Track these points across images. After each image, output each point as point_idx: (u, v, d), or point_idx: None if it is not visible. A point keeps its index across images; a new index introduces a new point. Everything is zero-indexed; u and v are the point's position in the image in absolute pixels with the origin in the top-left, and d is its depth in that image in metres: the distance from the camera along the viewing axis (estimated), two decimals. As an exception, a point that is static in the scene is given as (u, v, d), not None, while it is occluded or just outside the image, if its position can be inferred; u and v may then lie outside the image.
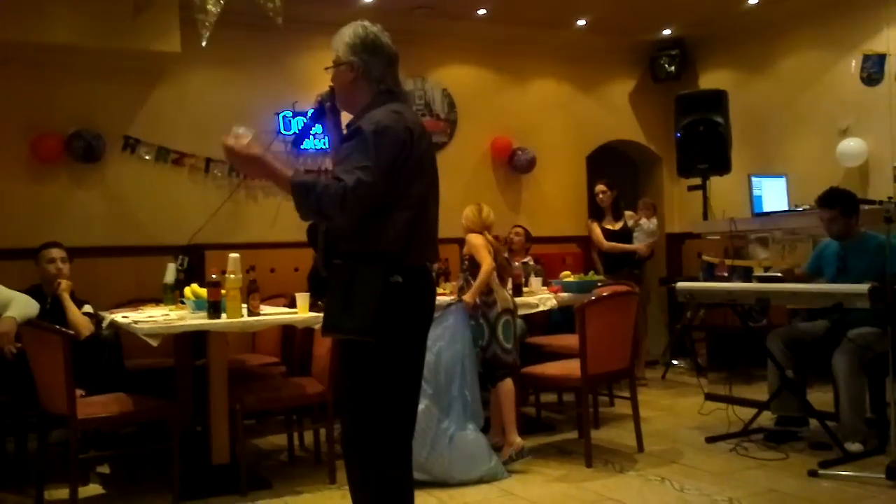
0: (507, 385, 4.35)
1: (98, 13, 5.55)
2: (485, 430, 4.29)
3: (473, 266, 4.43)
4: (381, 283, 2.39)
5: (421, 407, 3.98)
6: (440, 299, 4.45)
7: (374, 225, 2.41)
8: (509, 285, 4.90)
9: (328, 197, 2.31)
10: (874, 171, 6.60)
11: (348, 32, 2.56)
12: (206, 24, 4.91)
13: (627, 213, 6.70)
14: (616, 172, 7.43)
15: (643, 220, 6.68)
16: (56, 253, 4.56)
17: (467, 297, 4.36)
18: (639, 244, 6.55)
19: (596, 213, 6.75)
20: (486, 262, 4.37)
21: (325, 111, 2.69)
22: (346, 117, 2.67)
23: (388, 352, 2.45)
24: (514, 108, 7.58)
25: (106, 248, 5.82)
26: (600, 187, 6.66)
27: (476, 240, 4.48)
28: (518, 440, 4.27)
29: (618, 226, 6.60)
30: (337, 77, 2.60)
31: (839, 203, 4.52)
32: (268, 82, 6.48)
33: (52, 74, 5.79)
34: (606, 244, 6.51)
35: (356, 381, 2.50)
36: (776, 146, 7.36)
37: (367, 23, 2.59)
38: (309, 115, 2.75)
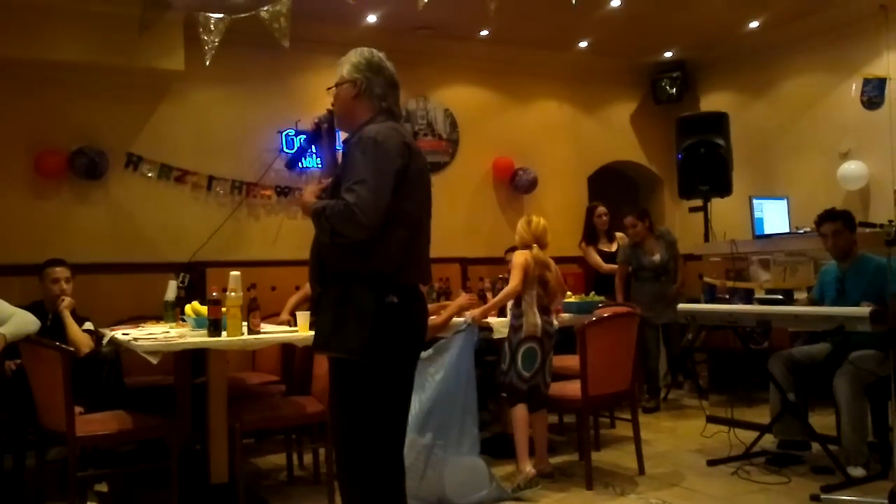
0: (520, 412, 4.22)
1: (103, 31, 5.60)
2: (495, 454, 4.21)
3: None
4: (375, 304, 2.41)
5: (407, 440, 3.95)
6: (456, 320, 4.44)
7: (369, 242, 2.42)
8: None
9: (336, 217, 2.38)
10: (875, 195, 6.62)
11: (354, 54, 2.65)
12: (210, 42, 4.94)
13: (618, 234, 6.71)
14: (617, 194, 7.46)
15: None
16: (60, 272, 4.56)
17: (475, 313, 4.32)
18: None
19: (589, 236, 6.74)
20: (512, 284, 4.25)
21: (321, 133, 2.74)
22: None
23: (380, 372, 2.46)
24: (516, 129, 7.62)
25: (108, 264, 5.82)
26: (604, 209, 6.68)
27: (517, 258, 4.33)
28: (528, 468, 4.13)
29: (613, 247, 6.62)
30: (339, 95, 2.66)
31: (840, 217, 4.55)
32: (271, 100, 6.52)
33: (57, 91, 5.82)
34: (606, 266, 6.51)
35: (347, 401, 2.51)
36: (777, 169, 7.39)
37: (373, 49, 2.67)
38: (305, 137, 2.80)
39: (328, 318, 2.48)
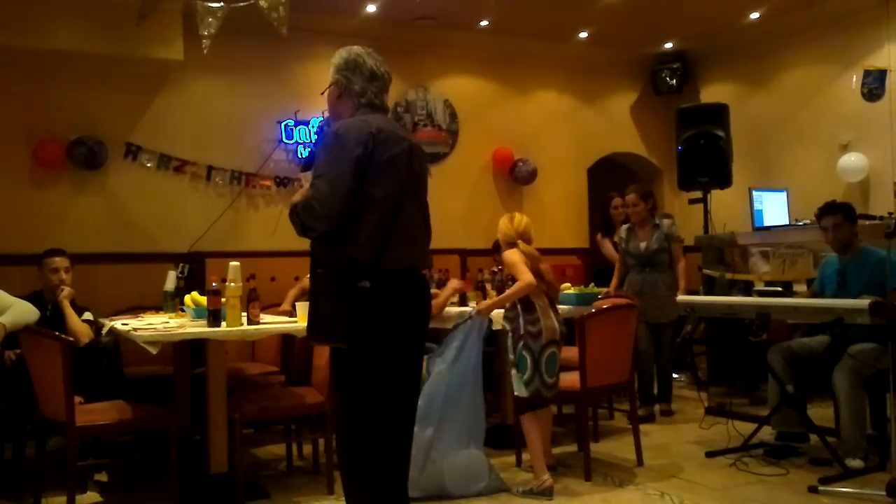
0: (531, 423, 4.03)
1: (101, 20, 5.58)
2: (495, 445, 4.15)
3: None
4: (349, 290, 2.44)
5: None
6: (454, 311, 4.41)
7: (344, 231, 2.49)
8: None
9: (304, 212, 2.52)
10: (875, 187, 6.62)
11: (336, 55, 2.74)
12: (209, 31, 4.91)
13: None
14: (617, 185, 7.43)
15: None
16: (60, 262, 4.56)
17: (481, 307, 4.20)
18: None
19: (605, 227, 6.70)
20: (524, 278, 3.97)
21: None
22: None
23: (371, 359, 2.49)
24: (516, 120, 7.61)
25: (107, 254, 5.83)
26: (619, 200, 6.64)
27: (511, 256, 4.08)
28: (545, 478, 3.97)
29: None
30: (328, 98, 2.76)
31: (841, 209, 4.53)
32: (270, 91, 6.50)
33: (55, 80, 5.80)
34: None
35: (343, 388, 2.56)
36: (777, 160, 7.38)
37: (354, 46, 2.76)
38: (314, 141, 2.88)
39: (312, 307, 2.58)
